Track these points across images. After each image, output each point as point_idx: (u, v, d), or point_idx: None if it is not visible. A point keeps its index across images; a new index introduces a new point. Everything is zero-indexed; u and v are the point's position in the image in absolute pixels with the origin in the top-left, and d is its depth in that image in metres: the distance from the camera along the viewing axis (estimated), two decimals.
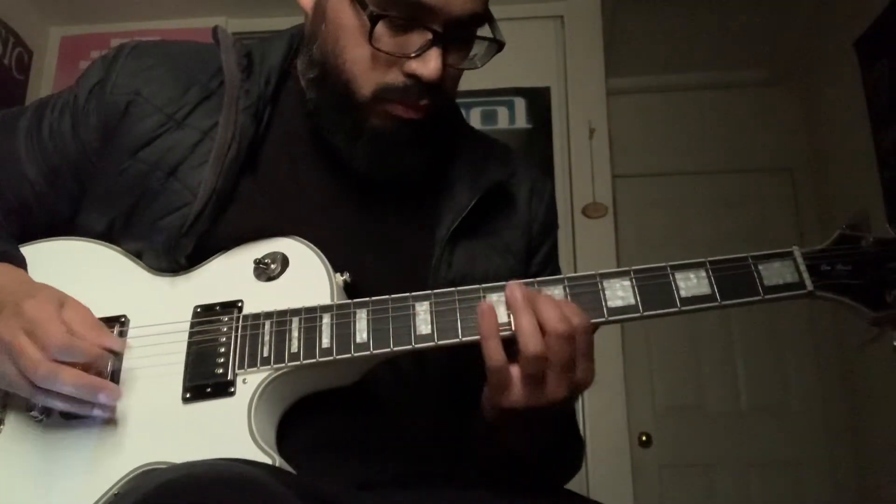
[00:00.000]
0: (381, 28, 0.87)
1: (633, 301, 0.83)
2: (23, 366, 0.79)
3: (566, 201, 2.85)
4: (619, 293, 0.84)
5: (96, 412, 0.83)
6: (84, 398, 0.81)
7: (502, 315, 0.83)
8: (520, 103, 3.07)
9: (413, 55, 0.87)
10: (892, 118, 2.86)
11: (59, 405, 0.81)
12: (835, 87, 3.39)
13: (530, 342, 0.78)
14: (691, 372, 3.59)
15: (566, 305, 0.81)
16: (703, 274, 0.85)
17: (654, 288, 0.84)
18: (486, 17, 0.93)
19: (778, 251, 0.86)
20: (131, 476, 0.80)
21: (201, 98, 0.96)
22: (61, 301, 0.84)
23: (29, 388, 0.80)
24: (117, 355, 0.85)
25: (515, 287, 0.81)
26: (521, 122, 3.06)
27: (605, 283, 0.84)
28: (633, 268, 0.85)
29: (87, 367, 0.81)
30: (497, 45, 0.94)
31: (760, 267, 0.85)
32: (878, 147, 2.96)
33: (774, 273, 0.85)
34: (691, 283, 0.84)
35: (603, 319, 0.83)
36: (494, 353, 0.80)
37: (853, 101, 3.11)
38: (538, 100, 3.08)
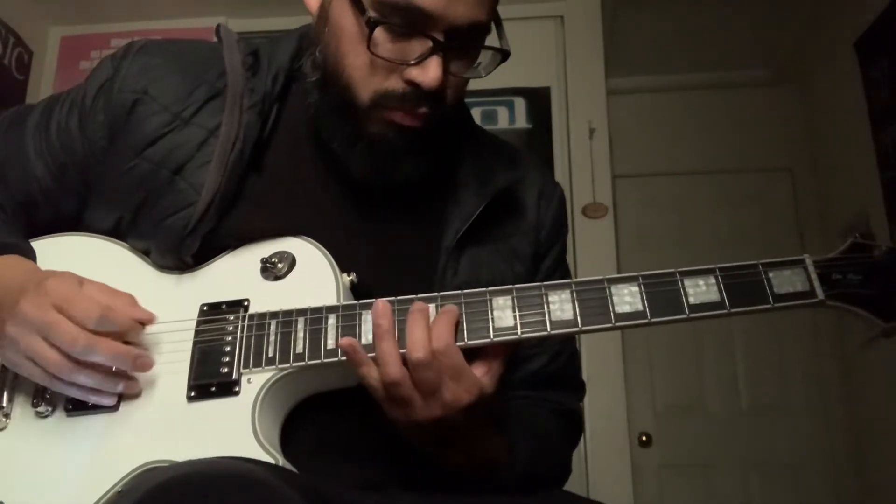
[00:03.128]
0: (380, 34, 0.86)
1: (640, 307, 0.82)
2: (59, 339, 0.79)
3: (566, 201, 2.84)
4: (627, 299, 0.83)
5: (121, 387, 0.84)
6: (121, 366, 0.82)
7: (508, 319, 0.83)
8: (520, 103, 3.07)
9: (413, 62, 0.86)
10: (892, 118, 2.86)
11: (85, 381, 0.82)
12: (835, 87, 3.39)
13: (388, 368, 0.79)
14: (691, 372, 3.59)
15: (437, 327, 0.80)
16: (713, 280, 0.83)
17: (663, 294, 0.83)
18: (489, 25, 0.92)
19: (788, 259, 0.84)
20: (134, 474, 0.80)
21: (208, 97, 0.95)
22: (80, 280, 0.85)
23: (59, 365, 0.80)
24: (146, 325, 0.86)
25: (381, 312, 0.81)
26: (521, 122, 3.06)
27: (613, 289, 0.83)
28: (642, 273, 0.84)
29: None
30: (501, 53, 0.93)
31: (770, 274, 0.83)
32: (878, 147, 2.96)
33: (785, 281, 0.83)
34: (700, 290, 0.83)
35: (609, 325, 0.82)
36: (369, 378, 0.81)
37: (853, 101, 3.11)
38: (538, 100, 3.08)
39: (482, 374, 0.82)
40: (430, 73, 0.86)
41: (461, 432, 0.83)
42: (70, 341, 0.79)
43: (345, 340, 0.81)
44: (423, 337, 0.79)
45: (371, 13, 0.86)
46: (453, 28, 0.86)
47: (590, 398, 2.70)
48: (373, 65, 0.88)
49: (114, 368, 0.83)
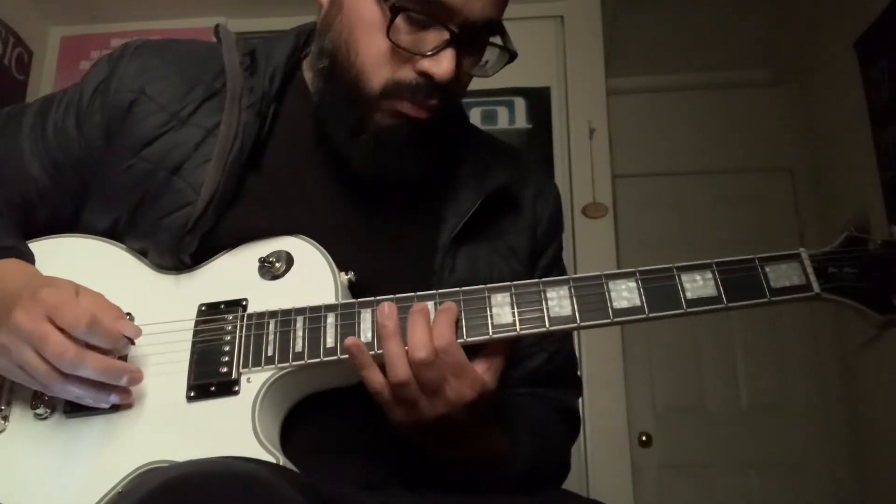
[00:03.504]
0: (399, 22, 0.87)
1: (638, 302, 0.83)
2: (49, 351, 0.79)
3: (566, 201, 2.84)
4: (625, 294, 0.83)
5: (112, 398, 0.83)
6: (108, 381, 0.82)
7: (507, 315, 0.83)
8: (520, 103, 3.07)
9: (428, 53, 0.87)
10: (892, 118, 2.86)
11: (75, 392, 0.81)
12: (835, 87, 3.39)
13: (396, 370, 0.80)
14: (691, 372, 3.59)
15: (437, 325, 0.81)
16: (710, 275, 0.84)
17: (660, 289, 0.83)
18: (500, 26, 0.93)
19: (784, 253, 0.85)
20: (135, 474, 0.80)
21: (205, 97, 0.96)
22: (76, 289, 0.85)
23: (48, 376, 0.80)
24: (132, 342, 0.85)
25: (387, 314, 0.82)
26: (521, 122, 3.06)
27: (611, 285, 0.84)
28: (639, 269, 0.84)
29: (105, 354, 0.82)
30: (509, 54, 0.94)
31: (767, 269, 0.84)
32: (878, 147, 2.96)
33: (781, 275, 0.84)
34: (697, 285, 0.83)
35: (608, 321, 0.83)
36: (372, 382, 0.82)
37: (853, 101, 3.11)
38: (538, 100, 3.08)
39: (484, 371, 0.83)
40: (443, 64, 0.87)
41: (464, 430, 0.84)
42: (58, 355, 0.79)
43: (350, 340, 0.82)
44: (424, 337, 0.80)
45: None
46: (468, 24, 0.87)
47: (590, 398, 2.73)
48: (387, 53, 0.89)
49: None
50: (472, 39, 0.90)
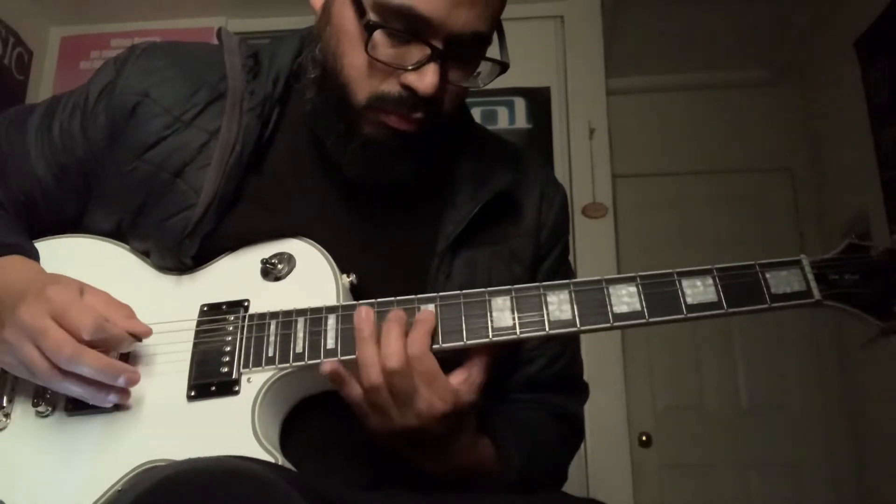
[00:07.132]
0: (380, 37, 0.86)
1: (638, 307, 0.83)
2: (47, 347, 0.79)
3: (569, 202, 2.84)
4: (625, 299, 0.84)
5: (112, 398, 0.83)
6: (105, 381, 0.82)
7: (507, 319, 0.83)
8: (520, 103, 3.07)
9: (410, 68, 0.86)
10: (892, 118, 2.86)
11: (75, 390, 0.82)
12: (835, 87, 3.39)
13: (369, 374, 0.81)
14: (691, 372, 3.59)
15: (412, 334, 0.81)
16: (710, 281, 0.84)
17: (661, 294, 0.83)
18: (490, 36, 0.92)
19: (785, 259, 0.85)
20: (134, 473, 0.80)
21: (210, 99, 0.96)
22: (81, 287, 0.85)
23: (48, 372, 0.80)
24: (141, 340, 0.86)
25: (363, 318, 0.82)
26: (521, 122, 3.06)
27: (611, 289, 0.84)
28: (640, 274, 0.85)
29: (105, 353, 0.82)
30: (500, 66, 0.93)
31: (768, 275, 0.84)
32: (878, 147, 2.96)
33: (782, 281, 0.84)
34: (698, 290, 0.83)
35: (608, 325, 0.83)
36: (351, 394, 0.83)
37: (853, 101, 3.11)
38: (538, 100, 3.08)
39: (460, 382, 0.83)
40: (426, 79, 0.86)
41: (441, 443, 0.84)
42: (55, 350, 0.79)
43: (328, 366, 0.82)
44: (398, 346, 0.80)
45: (371, 16, 0.86)
46: (453, 37, 0.86)
47: (590, 398, 2.71)
48: (370, 66, 0.88)
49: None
50: (460, 53, 0.89)
